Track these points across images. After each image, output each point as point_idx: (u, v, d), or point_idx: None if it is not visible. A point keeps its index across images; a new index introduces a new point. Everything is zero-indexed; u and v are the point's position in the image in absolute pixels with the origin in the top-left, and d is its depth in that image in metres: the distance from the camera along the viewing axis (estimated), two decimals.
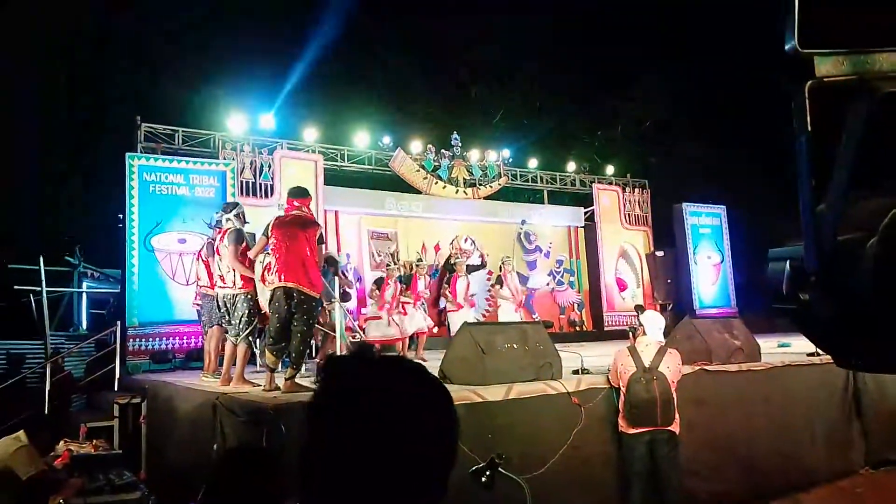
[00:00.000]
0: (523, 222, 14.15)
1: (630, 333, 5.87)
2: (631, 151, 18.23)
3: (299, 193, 5.76)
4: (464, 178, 13.56)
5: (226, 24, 15.62)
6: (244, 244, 6.21)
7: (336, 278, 7.56)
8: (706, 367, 6.16)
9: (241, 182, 10.64)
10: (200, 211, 9.75)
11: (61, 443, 5.21)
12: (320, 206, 10.95)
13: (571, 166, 15.36)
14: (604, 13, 17.13)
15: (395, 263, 9.54)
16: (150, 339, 9.23)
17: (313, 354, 7.68)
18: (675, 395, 5.11)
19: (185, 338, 9.38)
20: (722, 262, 15.13)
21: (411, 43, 17.38)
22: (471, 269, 11.30)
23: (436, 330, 9.56)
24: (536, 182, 14.93)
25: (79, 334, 11.98)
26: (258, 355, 7.35)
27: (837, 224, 0.72)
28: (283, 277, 5.31)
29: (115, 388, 8.40)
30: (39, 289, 11.06)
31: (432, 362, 5.72)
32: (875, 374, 6.96)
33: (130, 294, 9.33)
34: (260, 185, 10.90)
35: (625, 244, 15.17)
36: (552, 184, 15.08)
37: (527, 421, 5.04)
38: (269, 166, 11.04)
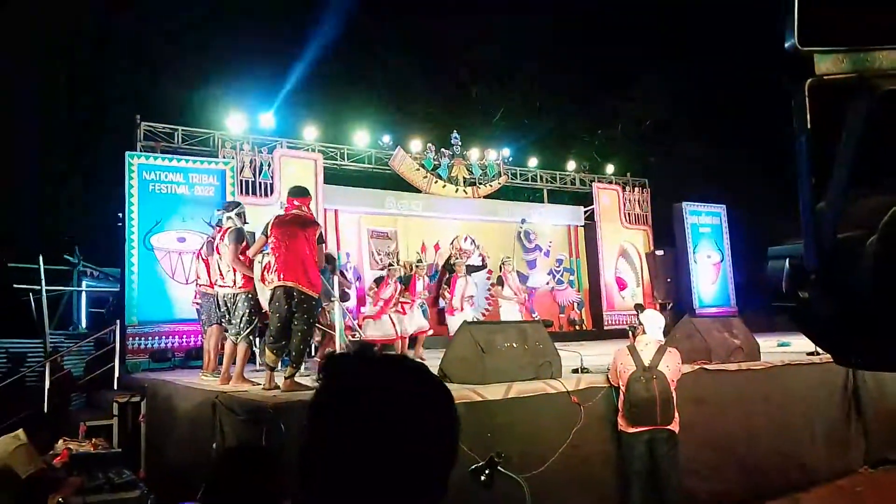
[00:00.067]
0: (523, 221, 14.14)
1: (630, 332, 5.87)
2: (631, 150, 18.22)
3: (299, 193, 5.77)
4: (464, 177, 13.56)
5: (225, 23, 15.61)
6: (244, 243, 6.22)
7: (335, 277, 7.56)
8: (706, 367, 6.16)
9: (241, 181, 10.63)
10: (200, 210, 9.75)
11: (60, 441, 5.21)
12: (320, 205, 10.95)
13: (571, 165, 15.35)
14: (604, 13, 17.13)
15: (396, 264, 9.53)
16: (150, 338, 9.22)
17: (312, 353, 7.68)
18: (674, 394, 5.11)
19: (184, 336, 9.37)
20: (722, 261, 15.14)
21: (411, 42, 17.38)
22: (471, 269, 11.30)
23: (430, 333, 9.55)
24: (536, 181, 14.93)
25: (78, 333, 11.97)
26: (258, 354, 7.35)
27: (837, 222, 0.72)
28: (282, 277, 5.31)
29: (115, 387, 8.40)
30: (39, 287, 11.07)
31: (432, 361, 5.72)
32: (875, 373, 6.96)
33: (130, 293, 9.32)
34: (259, 183, 10.89)
35: (625, 243, 15.16)
36: (552, 183, 15.08)
37: (526, 420, 5.04)
38: (269, 165, 11.03)
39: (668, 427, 5.07)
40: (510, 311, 10.60)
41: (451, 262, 11.44)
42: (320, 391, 0.93)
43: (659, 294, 14.30)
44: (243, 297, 6.11)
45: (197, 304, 7.65)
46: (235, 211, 6.49)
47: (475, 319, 10.53)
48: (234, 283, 6.17)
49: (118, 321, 9.14)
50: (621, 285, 14.95)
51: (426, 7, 16.35)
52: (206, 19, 15.51)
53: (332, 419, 0.89)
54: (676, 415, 5.12)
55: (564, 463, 5.02)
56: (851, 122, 0.70)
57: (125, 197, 9.50)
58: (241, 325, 6.08)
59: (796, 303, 0.79)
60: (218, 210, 7.24)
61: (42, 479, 4.20)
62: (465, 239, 13.44)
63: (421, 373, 0.95)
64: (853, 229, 0.70)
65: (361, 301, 10.90)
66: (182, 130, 10.76)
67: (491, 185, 13.96)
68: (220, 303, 6.37)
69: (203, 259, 7.07)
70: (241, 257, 6.09)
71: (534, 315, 11.54)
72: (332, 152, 12.26)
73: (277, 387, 5.32)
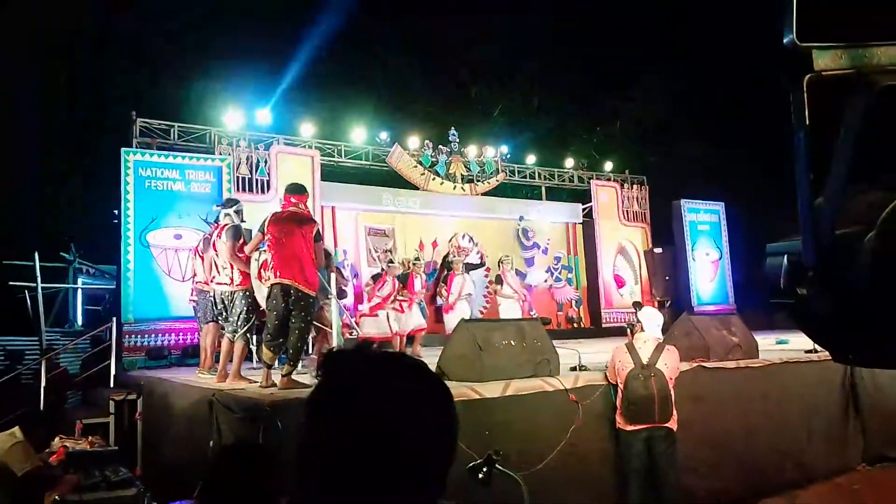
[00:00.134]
0: (521, 218, 14.14)
1: (628, 330, 5.87)
2: (629, 148, 18.23)
3: (296, 190, 5.76)
4: (461, 174, 13.55)
5: (222, 20, 15.59)
6: (242, 240, 6.21)
7: (332, 274, 7.55)
8: (704, 364, 6.17)
9: (238, 178, 10.61)
10: (196, 206, 9.72)
11: (57, 439, 5.21)
12: (317, 202, 10.94)
13: (570, 162, 15.35)
14: (604, 13, 17.14)
15: (395, 262, 9.53)
16: (146, 336, 9.21)
17: (309, 351, 7.67)
18: (672, 392, 5.11)
19: (181, 334, 9.36)
20: (720, 258, 15.15)
21: (408, 40, 17.37)
22: (469, 267, 11.29)
23: (423, 334, 9.57)
24: (534, 178, 14.92)
25: (74, 330, 11.94)
26: (255, 352, 7.34)
27: (835, 218, 0.72)
28: (279, 274, 5.31)
29: (111, 385, 8.40)
30: (35, 285, 11.04)
31: (429, 359, 5.72)
32: (872, 371, 6.97)
33: (126, 290, 9.31)
34: (256, 180, 10.87)
35: (623, 241, 15.17)
36: (550, 180, 15.08)
37: (524, 417, 5.04)
38: (266, 162, 11.02)
39: (667, 425, 5.08)
40: (509, 310, 10.60)
41: (449, 259, 11.42)
42: (318, 388, 0.93)
43: (657, 292, 14.32)
44: (241, 294, 6.10)
45: (193, 301, 7.64)
46: (234, 208, 6.49)
47: (473, 317, 10.53)
48: (232, 281, 6.16)
49: (114, 318, 9.12)
50: (619, 283, 14.97)
51: (425, 6, 16.34)
52: (202, 16, 15.49)
53: (330, 416, 0.89)
54: (675, 413, 5.12)
55: (562, 461, 5.02)
56: (850, 118, 0.70)
57: (121, 193, 9.49)
58: (239, 323, 6.08)
59: (794, 299, 0.79)
60: (216, 206, 7.24)
61: (38, 477, 4.19)
62: (464, 237, 13.44)
63: (419, 370, 0.95)
64: (851, 225, 0.70)
65: (358, 298, 10.89)
66: (178, 127, 10.74)
67: (489, 183, 13.96)
68: (218, 300, 6.36)
69: (199, 255, 7.06)
70: (239, 254, 6.08)
71: (532, 313, 11.53)
72: (329, 149, 12.25)
73: (274, 384, 5.32)
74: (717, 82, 16.24)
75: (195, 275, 7.32)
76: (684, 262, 14.52)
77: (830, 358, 0.83)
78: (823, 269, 0.73)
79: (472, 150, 13.73)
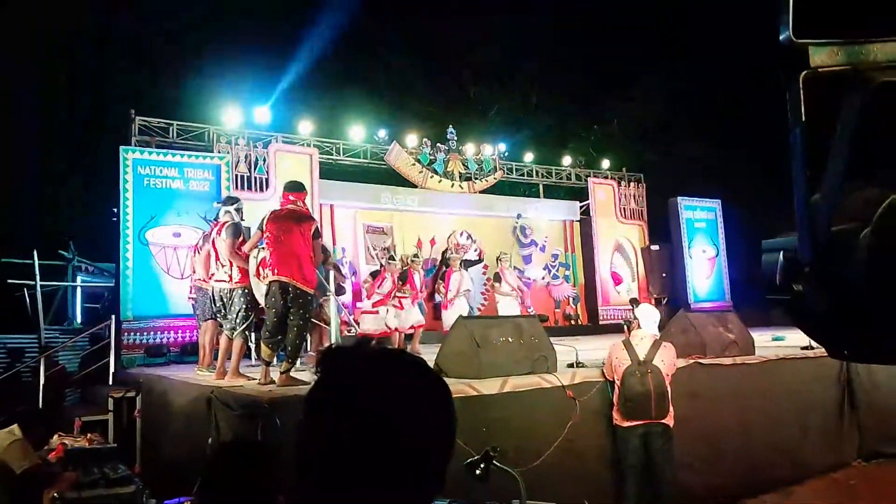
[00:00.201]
0: (519, 216, 14.14)
1: (625, 327, 5.88)
2: (627, 146, 18.24)
3: (295, 188, 5.76)
4: (459, 172, 13.54)
5: (221, 18, 15.56)
6: (241, 238, 6.20)
7: (330, 271, 7.54)
8: (700, 361, 6.18)
9: (236, 176, 10.60)
10: (195, 204, 9.72)
11: (55, 437, 5.20)
12: (316, 199, 10.93)
13: (567, 160, 15.35)
14: (601, 13, 17.14)
15: (394, 260, 9.53)
16: (145, 333, 9.20)
17: (308, 348, 7.67)
18: (669, 389, 5.13)
19: (179, 332, 9.36)
20: (717, 256, 15.17)
21: (407, 39, 17.36)
22: (467, 264, 11.29)
23: (422, 331, 9.57)
24: (532, 176, 14.92)
25: (73, 328, 11.93)
26: (253, 349, 7.34)
27: (831, 215, 0.72)
28: (277, 271, 5.31)
29: (110, 382, 8.40)
30: (33, 283, 11.03)
31: (427, 356, 5.71)
32: (868, 367, 7.00)
33: (125, 288, 9.30)
34: (255, 178, 10.86)
35: (620, 238, 15.18)
36: (548, 178, 15.08)
37: (522, 414, 5.05)
38: (264, 160, 11.00)
39: (663, 421, 5.09)
40: (508, 307, 10.60)
41: (447, 256, 11.43)
42: (317, 385, 0.92)
43: (654, 289, 14.33)
44: (239, 292, 6.10)
45: (192, 299, 7.63)
46: (235, 206, 6.49)
47: (471, 314, 10.54)
48: (231, 278, 6.16)
49: (113, 316, 9.12)
50: (616, 280, 14.98)
51: (425, 5, 16.33)
52: (201, 15, 15.46)
53: (329, 414, 0.89)
54: (671, 409, 5.14)
55: (559, 457, 5.04)
56: (846, 115, 0.70)
57: (120, 192, 9.48)
58: (237, 321, 6.07)
59: (790, 295, 0.79)
60: (217, 203, 7.23)
61: (37, 475, 4.19)
62: (462, 234, 13.44)
63: (418, 367, 0.95)
64: (847, 222, 0.70)
65: (357, 296, 10.89)
66: (177, 125, 10.71)
67: (487, 181, 13.95)
68: (216, 297, 6.35)
69: (199, 252, 7.05)
70: (238, 252, 6.08)
71: (529, 310, 11.54)
72: (327, 147, 12.23)
73: (273, 382, 5.32)
74: (713, 81, 16.26)
75: (194, 272, 7.31)
76: (681, 259, 14.54)
77: (826, 354, 0.84)
78: (819, 266, 0.74)
79: (470, 148, 13.72)
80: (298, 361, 5.79)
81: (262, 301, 5.70)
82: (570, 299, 14.72)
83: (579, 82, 18.05)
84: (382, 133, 12.89)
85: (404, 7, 16.43)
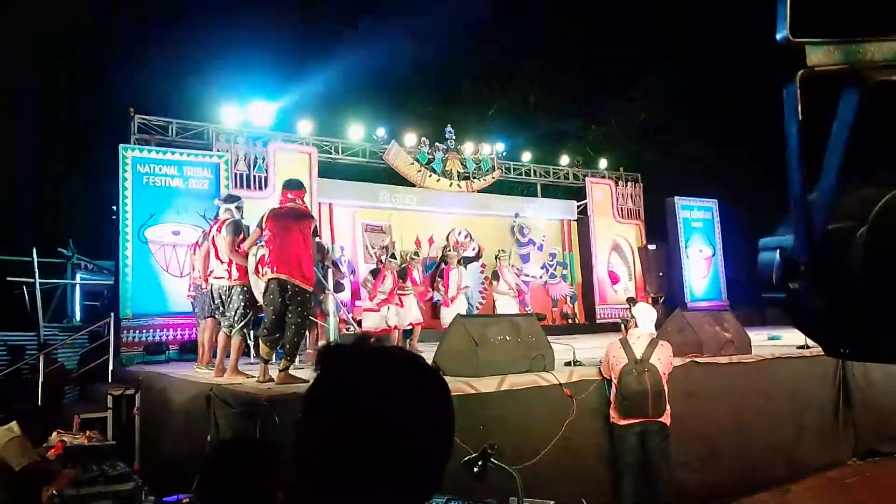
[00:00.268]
0: (517, 215, 14.15)
1: (622, 326, 5.89)
2: (624, 146, 18.25)
3: (294, 186, 5.76)
4: (458, 171, 13.54)
5: (221, 17, 15.53)
6: (241, 236, 6.20)
7: (329, 269, 7.55)
8: (697, 360, 6.19)
9: (235, 174, 10.59)
10: (194, 203, 9.73)
11: (54, 434, 5.20)
12: (314, 198, 10.92)
13: (565, 160, 15.35)
14: (601, 13, 17.14)
15: (394, 258, 9.52)
16: (144, 331, 9.21)
17: (306, 346, 7.67)
18: (666, 387, 5.14)
19: (178, 329, 9.36)
20: (713, 255, 15.20)
21: (408, 39, 17.32)
22: (466, 261, 11.30)
23: (421, 328, 9.58)
24: (530, 175, 14.92)
25: (72, 326, 11.92)
26: (252, 347, 7.34)
27: (828, 213, 0.72)
28: (275, 269, 5.31)
29: (109, 380, 8.40)
30: (33, 280, 11.01)
31: (426, 354, 5.71)
32: (864, 366, 7.01)
33: (124, 286, 9.30)
34: (254, 177, 10.85)
35: (617, 237, 15.19)
36: (546, 177, 15.08)
37: (519, 412, 5.07)
38: (264, 158, 10.99)
39: (660, 419, 5.11)
40: (505, 305, 10.61)
41: (446, 253, 11.44)
42: (316, 383, 0.92)
43: (651, 288, 14.35)
44: (238, 289, 6.10)
45: (191, 296, 7.63)
46: (235, 204, 6.50)
47: (469, 313, 10.55)
48: (230, 276, 6.15)
49: (112, 314, 9.12)
50: (614, 279, 15.00)
51: (426, 5, 16.30)
52: (201, 13, 15.43)
53: (328, 411, 0.88)
54: (668, 407, 5.15)
55: (556, 455, 5.05)
56: (843, 114, 0.71)
57: (119, 190, 9.47)
58: (236, 318, 6.07)
59: (787, 294, 0.79)
60: (217, 200, 7.23)
61: (36, 472, 4.20)
62: (460, 233, 13.45)
63: (418, 365, 0.95)
64: (844, 220, 0.71)
65: (356, 294, 10.89)
66: (176, 123, 10.70)
67: (485, 180, 13.95)
68: (215, 295, 6.34)
69: (199, 249, 7.05)
70: (238, 249, 6.08)
71: (527, 309, 11.55)
72: (326, 146, 12.22)
73: (272, 379, 5.32)
74: (710, 81, 16.27)
75: (193, 270, 7.31)
76: (678, 258, 14.57)
77: (822, 353, 0.84)
78: (816, 264, 0.74)
79: (468, 148, 13.72)
80: (297, 359, 5.79)
81: (260, 299, 5.70)
82: (568, 298, 14.73)
83: (578, 82, 18.05)
84: (381, 132, 12.88)
85: (400, 3, 16.41)
